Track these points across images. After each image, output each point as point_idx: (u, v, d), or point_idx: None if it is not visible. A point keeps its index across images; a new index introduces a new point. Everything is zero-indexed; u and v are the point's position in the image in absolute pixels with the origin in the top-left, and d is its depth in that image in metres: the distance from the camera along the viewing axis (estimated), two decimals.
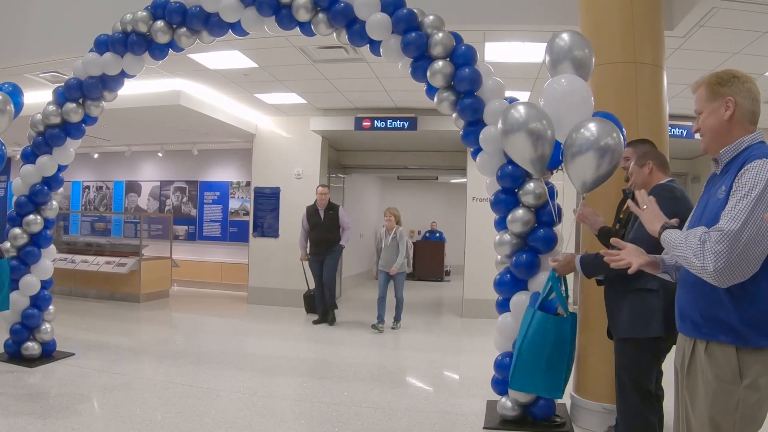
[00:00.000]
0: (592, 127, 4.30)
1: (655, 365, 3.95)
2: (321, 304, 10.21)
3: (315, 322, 9.94)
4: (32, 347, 6.66)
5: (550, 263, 4.57)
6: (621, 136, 4.33)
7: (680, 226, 2.65)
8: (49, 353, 6.91)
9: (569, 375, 4.48)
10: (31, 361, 6.58)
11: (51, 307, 6.90)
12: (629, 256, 2.72)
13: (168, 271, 12.72)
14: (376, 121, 10.95)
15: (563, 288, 4.54)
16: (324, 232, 10.17)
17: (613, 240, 2.89)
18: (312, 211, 10.28)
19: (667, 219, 2.65)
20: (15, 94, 6.26)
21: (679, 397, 2.72)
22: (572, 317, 4.41)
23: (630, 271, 2.70)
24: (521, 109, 4.61)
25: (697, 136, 2.71)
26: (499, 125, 4.71)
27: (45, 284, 6.78)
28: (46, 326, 6.80)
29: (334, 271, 10.24)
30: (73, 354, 7.14)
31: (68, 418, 5.08)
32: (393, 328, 9.59)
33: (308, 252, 10.31)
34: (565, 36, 4.67)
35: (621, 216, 4.52)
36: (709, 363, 2.49)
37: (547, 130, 4.57)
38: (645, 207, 2.72)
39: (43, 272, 6.73)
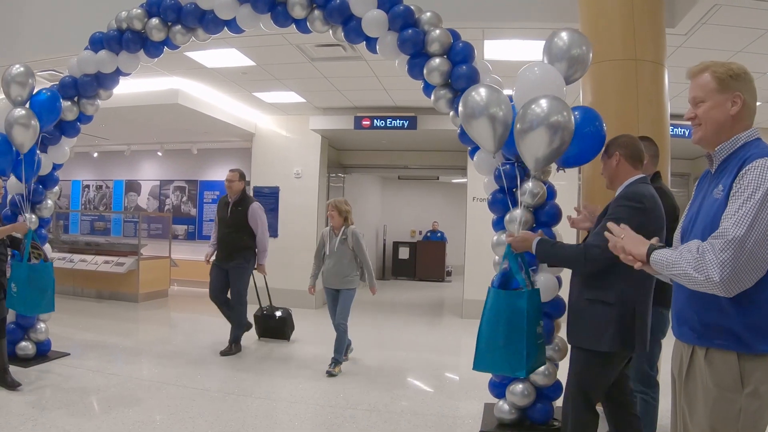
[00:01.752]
0: (543, 103, 4.19)
1: (607, 378, 3.74)
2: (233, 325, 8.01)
3: (223, 354, 7.67)
4: (26, 347, 6.62)
5: (505, 238, 4.41)
6: (571, 114, 4.23)
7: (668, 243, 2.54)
8: (44, 353, 6.85)
9: (540, 353, 4.23)
10: (25, 361, 6.52)
11: None
12: (629, 244, 2.55)
13: (167, 271, 12.65)
14: (375, 120, 10.87)
15: (522, 264, 4.33)
16: (228, 232, 7.87)
17: (609, 224, 2.73)
18: (221, 204, 8.14)
19: (648, 241, 2.53)
20: (54, 98, 6.29)
21: (676, 405, 2.63)
22: (529, 292, 4.12)
23: (636, 267, 2.53)
24: (482, 92, 4.54)
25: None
26: (460, 108, 4.62)
27: None
28: (41, 326, 6.76)
29: (241, 288, 7.90)
30: (69, 354, 7.08)
31: (60, 419, 5.04)
32: (330, 373, 6.80)
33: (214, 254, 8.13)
34: (564, 35, 4.54)
35: None
36: (710, 370, 2.40)
37: (507, 114, 4.53)
38: (623, 236, 2.60)
39: None
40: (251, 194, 11.32)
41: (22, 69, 6.18)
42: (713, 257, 2.22)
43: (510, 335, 3.96)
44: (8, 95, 6.20)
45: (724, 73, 2.49)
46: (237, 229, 7.83)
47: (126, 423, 5.00)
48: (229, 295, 7.99)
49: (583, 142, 4.41)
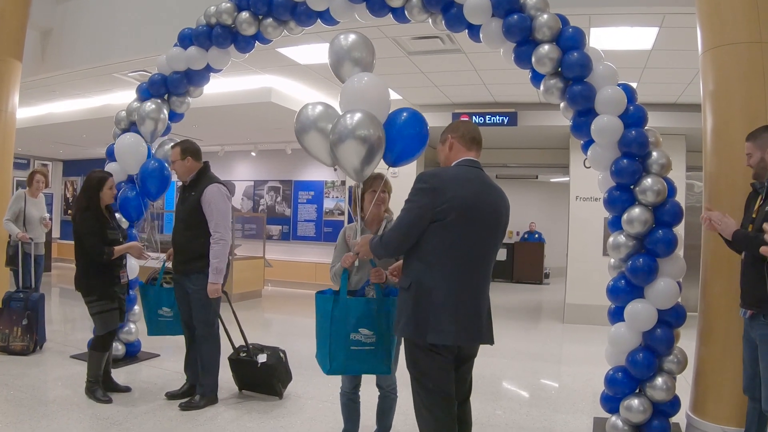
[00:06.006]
0: (357, 116, 4.20)
1: (428, 366, 3.42)
2: (189, 366, 5.85)
3: (183, 408, 5.35)
4: (116, 347, 6.53)
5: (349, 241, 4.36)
6: (379, 131, 4.24)
7: None
8: (133, 354, 6.84)
9: (357, 361, 3.97)
10: (115, 362, 6.39)
11: (136, 307, 6.83)
12: None
13: (261, 271, 12.64)
14: (474, 117, 10.46)
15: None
16: (178, 229, 5.58)
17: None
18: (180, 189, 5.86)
19: None
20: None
21: None
22: (342, 299, 3.88)
23: None
24: (315, 108, 4.51)
25: None
26: (295, 125, 4.55)
27: (129, 284, 6.62)
28: (131, 326, 6.73)
29: (207, 316, 5.74)
30: (159, 355, 7.06)
31: (146, 423, 4.93)
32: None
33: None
34: (342, 37, 4.61)
35: (753, 216, 3.92)
36: None
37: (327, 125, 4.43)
38: None
39: (128, 272, 6.56)
40: (350, 195, 10.13)
41: (153, 106, 6.31)
42: None
43: (319, 334, 3.99)
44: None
45: None
46: (190, 225, 5.43)
47: (212, 428, 4.86)
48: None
49: (406, 142, 4.39)
